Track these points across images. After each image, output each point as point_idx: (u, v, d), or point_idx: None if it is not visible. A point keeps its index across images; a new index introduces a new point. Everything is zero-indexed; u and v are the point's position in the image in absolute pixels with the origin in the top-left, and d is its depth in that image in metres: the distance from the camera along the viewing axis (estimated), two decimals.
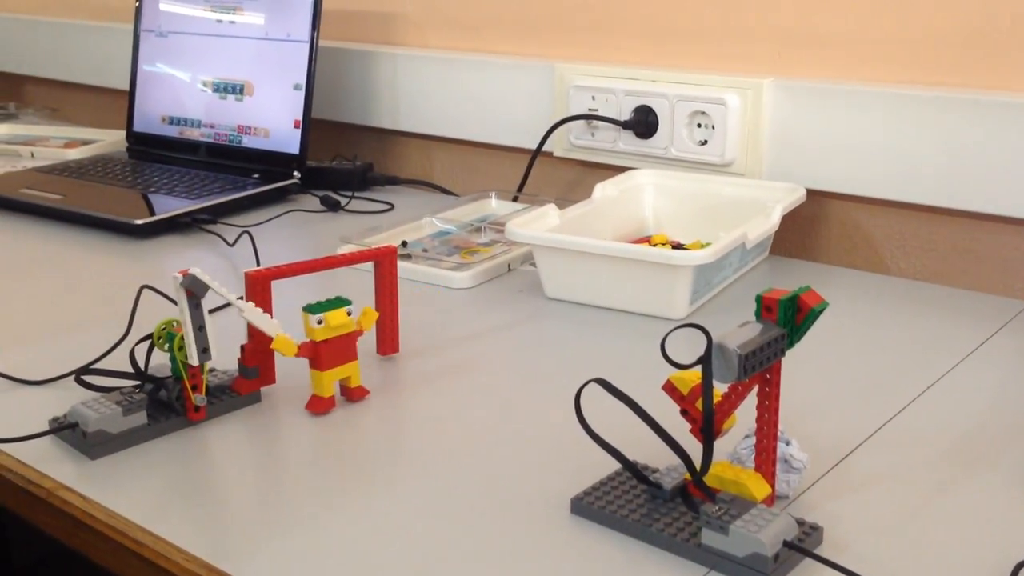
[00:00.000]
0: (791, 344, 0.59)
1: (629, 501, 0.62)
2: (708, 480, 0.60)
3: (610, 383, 0.58)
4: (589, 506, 0.62)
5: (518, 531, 0.60)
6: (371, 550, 0.58)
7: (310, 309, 0.72)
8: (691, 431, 0.60)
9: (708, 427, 0.58)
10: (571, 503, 0.62)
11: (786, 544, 0.56)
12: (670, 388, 0.61)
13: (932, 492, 0.64)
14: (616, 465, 0.67)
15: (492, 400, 0.77)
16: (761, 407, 0.60)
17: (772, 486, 0.61)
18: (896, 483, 0.65)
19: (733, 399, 0.59)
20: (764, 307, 0.58)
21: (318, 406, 0.74)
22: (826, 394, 0.77)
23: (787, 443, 0.64)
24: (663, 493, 0.62)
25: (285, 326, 0.84)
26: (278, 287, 0.76)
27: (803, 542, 0.58)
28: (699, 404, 0.59)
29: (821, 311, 0.58)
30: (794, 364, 0.81)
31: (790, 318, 0.58)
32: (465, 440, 0.71)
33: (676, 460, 0.66)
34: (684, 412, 0.60)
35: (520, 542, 0.59)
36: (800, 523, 0.59)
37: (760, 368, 0.57)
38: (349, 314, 0.73)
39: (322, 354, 0.73)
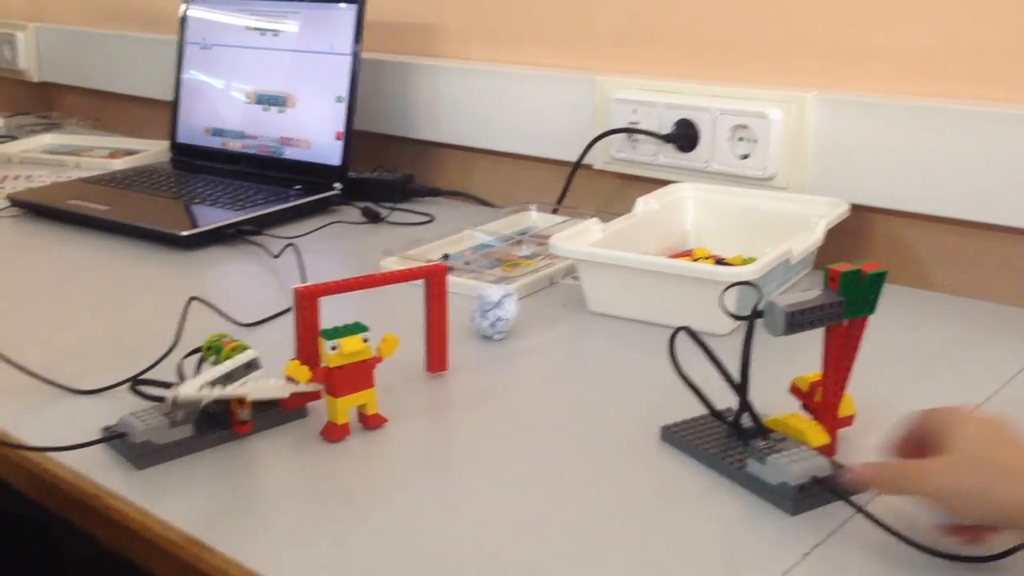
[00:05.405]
0: (864, 311, 0.67)
1: (707, 438, 0.71)
2: (775, 425, 0.68)
3: (695, 332, 0.67)
4: (675, 435, 0.72)
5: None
6: (423, 549, 0.59)
7: (326, 334, 0.71)
8: (815, 419, 0.69)
9: (744, 376, 0.67)
10: (660, 431, 0.72)
11: (814, 479, 0.62)
12: (794, 389, 0.71)
13: None
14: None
15: (545, 410, 0.77)
16: (826, 367, 0.68)
17: (833, 437, 0.69)
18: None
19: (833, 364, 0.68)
20: (829, 277, 0.66)
21: (331, 433, 0.73)
22: (871, 411, 0.77)
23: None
24: (731, 430, 0.70)
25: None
26: (326, 302, 0.76)
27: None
28: (817, 396, 0.69)
29: (880, 277, 0.66)
30: None
31: (852, 288, 0.65)
32: (526, 431, 0.71)
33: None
34: (804, 407, 0.70)
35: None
36: (839, 467, 0.64)
37: (809, 328, 0.64)
38: (365, 341, 0.72)
39: (335, 380, 0.72)
